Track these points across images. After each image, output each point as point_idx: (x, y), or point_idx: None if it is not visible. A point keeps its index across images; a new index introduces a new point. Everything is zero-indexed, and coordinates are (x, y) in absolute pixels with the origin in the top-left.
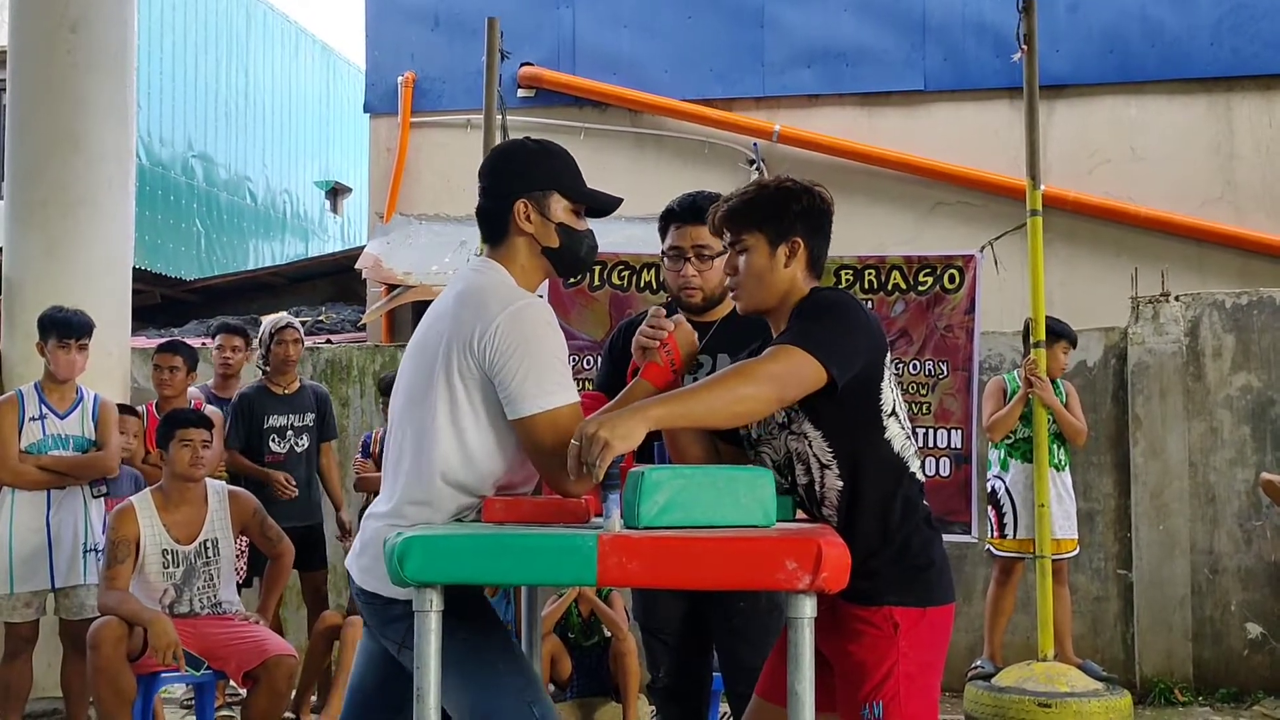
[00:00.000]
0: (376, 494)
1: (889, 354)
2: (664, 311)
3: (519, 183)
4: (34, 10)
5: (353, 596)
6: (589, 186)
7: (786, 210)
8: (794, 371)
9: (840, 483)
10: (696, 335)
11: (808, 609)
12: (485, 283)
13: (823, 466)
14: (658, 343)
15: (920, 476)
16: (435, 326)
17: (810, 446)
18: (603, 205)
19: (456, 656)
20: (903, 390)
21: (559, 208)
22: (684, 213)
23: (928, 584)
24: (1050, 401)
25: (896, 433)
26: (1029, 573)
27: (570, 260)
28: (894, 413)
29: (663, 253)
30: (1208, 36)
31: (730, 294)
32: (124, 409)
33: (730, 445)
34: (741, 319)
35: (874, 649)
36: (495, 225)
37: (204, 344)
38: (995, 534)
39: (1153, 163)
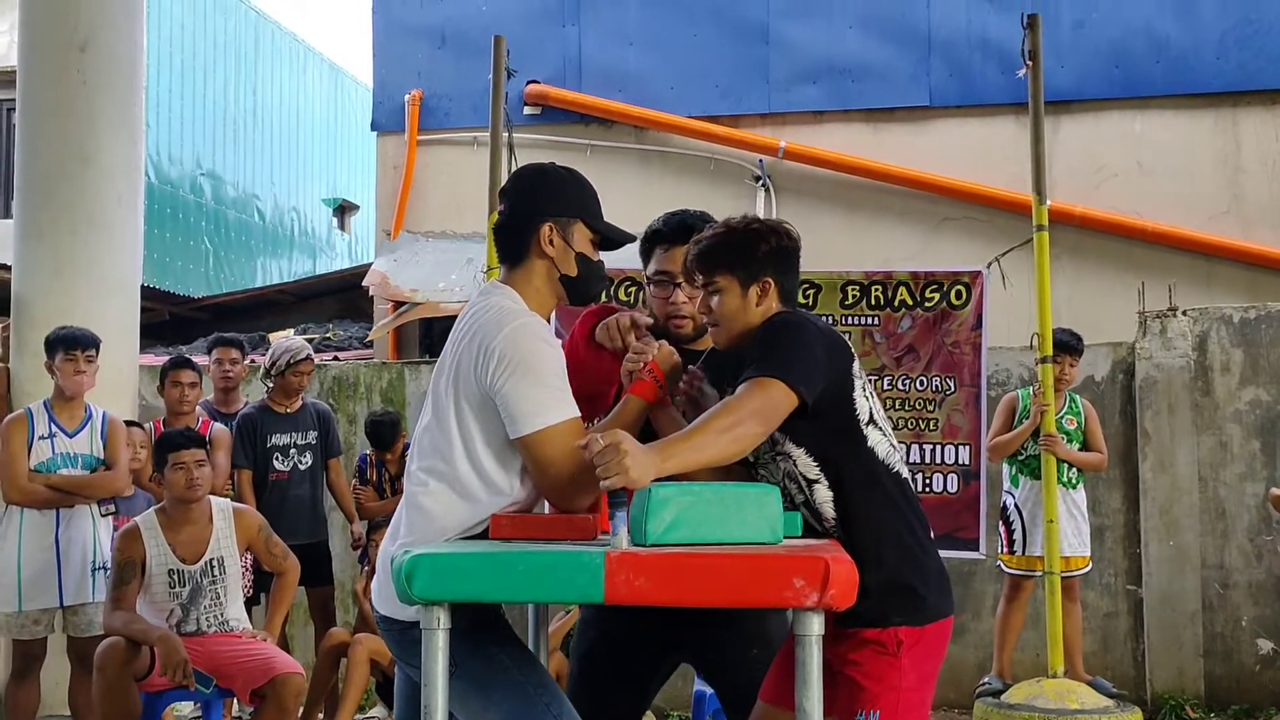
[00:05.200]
0: (381, 518)
1: (856, 363)
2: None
3: (547, 205)
4: (43, 30)
5: (359, 615)
6: (606, 220)
7: (755, 252)
8: (772, 402)
9: (831, 493)
10: (675, 351)
11: (815, 626)
12: (487, 305)
13: (811, 482)
14: (642, 365)
15: (910, 483)
16: (447, 352)
17: (796, 465)
18: (620, 240)
19: (481, 675)
20: (910, 406)
21: (581, 237)
22: (673, 233)
23: (927, 601)
24: (1064, 455)
25: (878, 440)
26: (1039, 589)
27: (584, 290)
28: (872, 420)
29: (648, 277)
30: (1214, 51)
31: (708, 331)
32: (127, 422)
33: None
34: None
35: (876, 664)
36: (515, 245)
37: (206, 361)
38: (1005, 550)
39: (1159, 177)
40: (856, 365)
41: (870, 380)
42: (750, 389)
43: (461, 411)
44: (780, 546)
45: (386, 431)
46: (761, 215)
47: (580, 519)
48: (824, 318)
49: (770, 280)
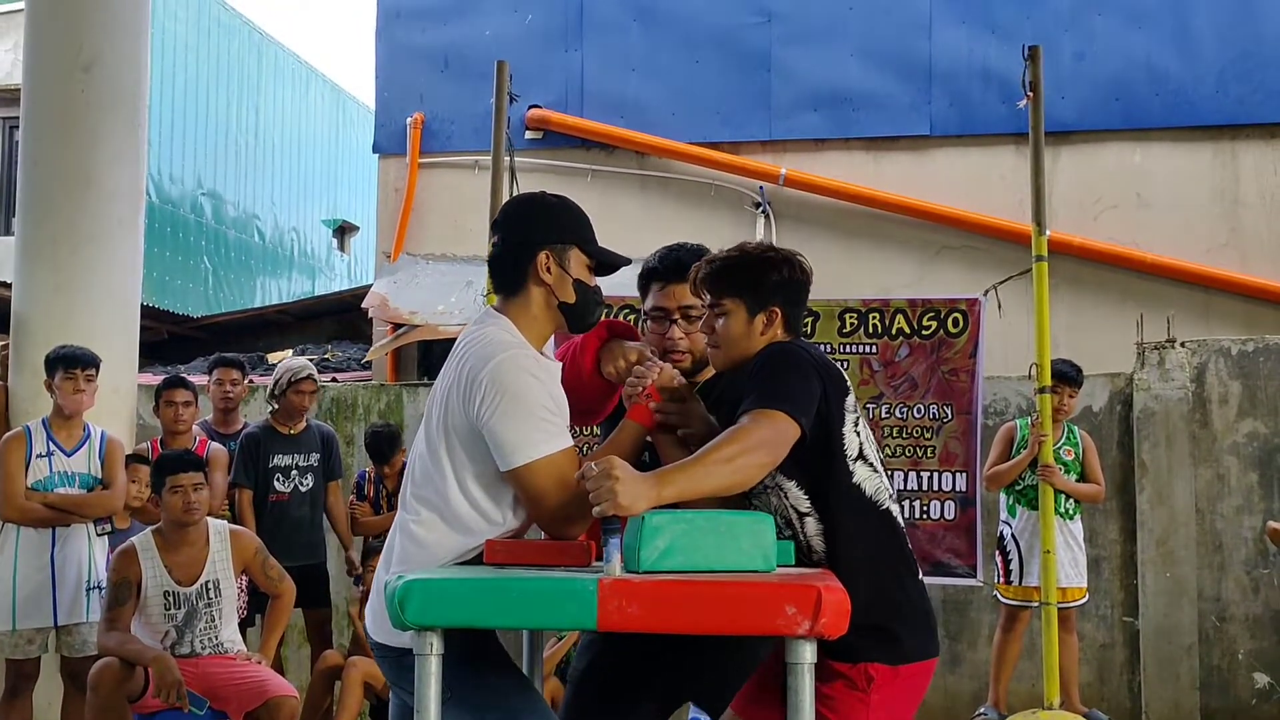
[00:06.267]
0: (376, 536)
1: (851, 397)
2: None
3: (541, 234)
4: (48, 50)
5: (354, 638)
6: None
7: (766, 280)
8: (778, 432)
9: (821, 526)
10: (677, 374)
11: (807, 654)
12: (477, 337)
13: (802, 515)
14: (641, 389)
15: (900, 521)
16: (441, 379)
17: (787, 498)
18: (615, 263)
19: (476, 700)
20: (907, 434)
21: (577, 263)
22: (668, 270)
23: (903, 641)
24: (1061, 486)
25: (866, 476)
26: (1036, 619)
27: (583, 316)
28: (861, 456)
29: (644, 312)
30: (1213, 84)
31: (708, 351)
32: (136, 457)
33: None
34: (729, 379)
35: (845, 699)
36: (511, 275)
37: (205, 381)
38: (1001, 580)
39: (1158, 209)
40: (851, 400)
41: (868, 409)
42: (755, 419)
43: (451, 443)
44: (773, 574)
45: (385, 444)
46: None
47: (574, 545)
48: (822, 346)
49: (778, 310)
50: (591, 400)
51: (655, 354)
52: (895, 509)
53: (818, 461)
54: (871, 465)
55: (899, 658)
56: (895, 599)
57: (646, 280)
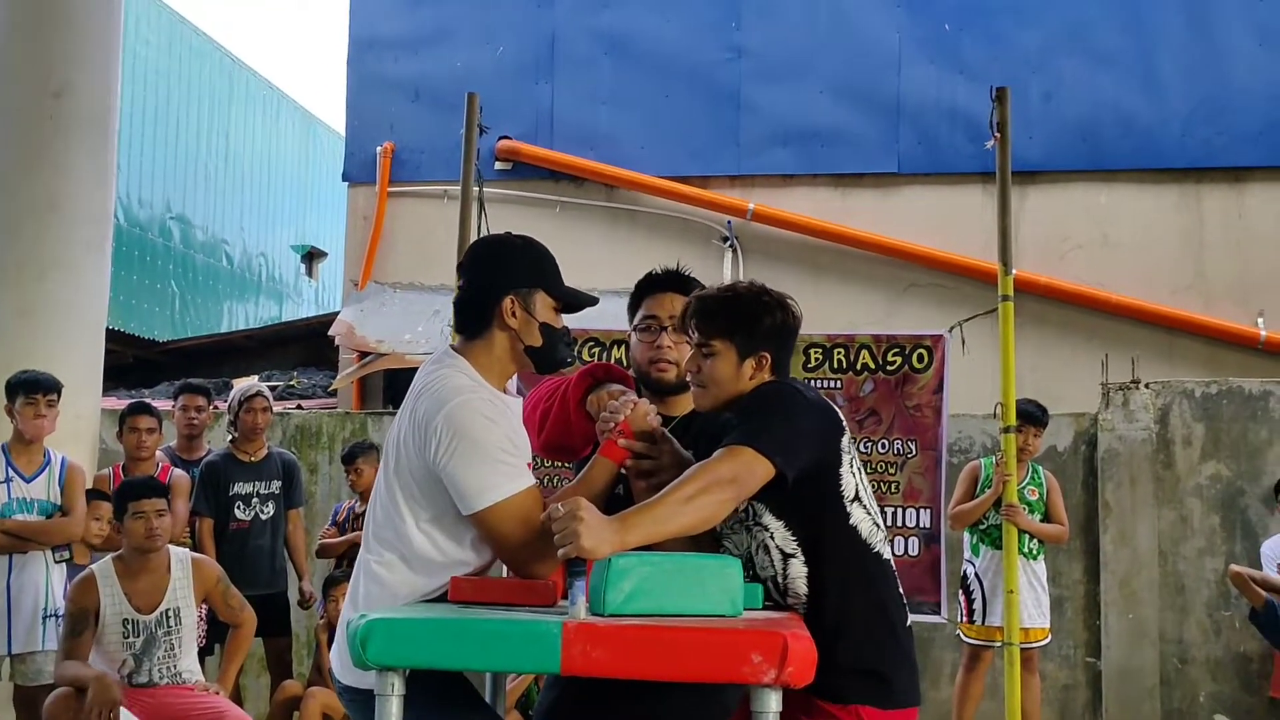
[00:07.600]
0: (337, 561)
1: (846, 437)
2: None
3: (507, 278)
4: (18, 75)
5: (314, 667)
6: (566, 284)
7: (759, 325)
8: (746, 471)
9: (806, 569)
10: (654, 410)
11: (773, 704)
12: (433, 380)
13: (787, 556)
14: (613, 425)
15: (891, 565)
16: (396, 423)
17: (773, 538)
18: (581, 304)
19: None
20: (871, 469)
21: (543, 305)
22: (665, 281)
23: (894, 687)
24: (1025, 525)
25: (862, 518)
26: (998, 659)
27: (550, 358)
28: (857, 498)
29: (633, 327)
30: (1179, 128)
31: (692, 390)
32: (97, 493)
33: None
34: (707, 413)
35: None
36: (476, 317)
37: (170, 407)
38: (964, 620)
39: (1124, 250)
40: (846, 439)
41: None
42: (723, 456)
43: (408, 486)
44: (740, 620)
45: (357, 448)
46: (728, 276)
47: (541, 585)
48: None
49: (768, 355)
50: (575, 439)
51: (642, 368)
52: (887, 552)
53: (813, 503)
54: (866, 507)
55: (890, 702)
56: (885, 643)
57: (643, 291)
